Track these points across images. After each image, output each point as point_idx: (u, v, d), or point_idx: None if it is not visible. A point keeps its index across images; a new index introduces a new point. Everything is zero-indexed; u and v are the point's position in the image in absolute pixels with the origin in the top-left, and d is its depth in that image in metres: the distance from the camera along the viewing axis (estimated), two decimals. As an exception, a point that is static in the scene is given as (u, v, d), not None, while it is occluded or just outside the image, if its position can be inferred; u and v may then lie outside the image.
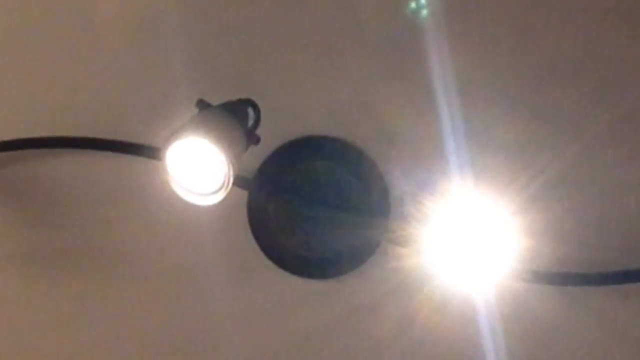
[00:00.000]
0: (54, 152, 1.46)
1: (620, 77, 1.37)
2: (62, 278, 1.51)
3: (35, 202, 1.49)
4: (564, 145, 1.39)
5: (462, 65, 1.36)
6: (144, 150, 1.42)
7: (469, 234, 1.29)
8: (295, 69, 1.41)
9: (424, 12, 1.35)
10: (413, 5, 1.35)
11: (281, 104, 1.41)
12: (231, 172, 1.20)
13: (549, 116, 1.39)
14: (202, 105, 1.27)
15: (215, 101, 1.28)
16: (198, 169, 1.22)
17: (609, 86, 1.37)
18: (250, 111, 1.30)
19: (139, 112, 1.43)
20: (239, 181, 1.39)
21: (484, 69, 1.38)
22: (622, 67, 1.37)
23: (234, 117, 1.26)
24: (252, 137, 1.29)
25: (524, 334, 1.44)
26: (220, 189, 1.22)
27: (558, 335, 1.45)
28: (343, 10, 1.38)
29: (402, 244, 1.40)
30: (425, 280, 1.39)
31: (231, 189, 1.22)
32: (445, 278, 1.34)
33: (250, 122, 1.30)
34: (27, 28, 1.42)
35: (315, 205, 1.42)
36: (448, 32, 1.35)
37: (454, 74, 1.35)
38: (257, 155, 1.41)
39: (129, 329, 1.53)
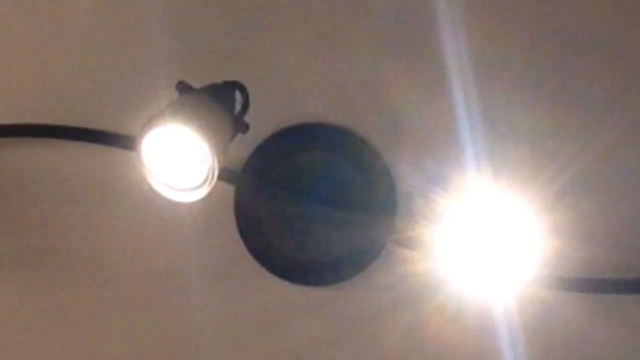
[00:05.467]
0: (15, 141, 1.43)
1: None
2: (27, 281, 1.47)
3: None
4: (595, 134, 1.37)
5: (479, 43, 1.34)
6: (117, 140, 1.40)
7: (486, 234, 1.26)
8: (289, 47, 1.40)
9: (436, -18, 1.36)
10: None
11: (273, 87, 1.39)
12: (216, 165, 1.17)
13: (578, 101, 1.37)
14: (183, 88, 1.25)
15: (197, 84, 1.26)
16: (178, 161, 1.20)
17: (646, 66, 1.39)
18: (238, 95, 1.28)
19: (112, 96, 1.41)
20: (225, 174, 1.34)
21: (504, 47, 1.36)
22: (661, 45, 1.38)
23: (219, 101, 1.24)
24: (239, 125, 1.26)
25: (550, 348, 1.42)
26: (204, 183, 1.19)
27: (589, 350, 1.43)
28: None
29: (410, 246, 1.37)
30: (437, 287, 1.35)
31: (216, 183, 1.20)
32: (459, 285, 1.30)
33: (238, 108, 1.27)
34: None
35: (311, 202, 1.40)
36: (463, 4, 1.33)
37: (469, 52, 1.33)
38: (246, 145, 1.39)
39: (103, 336, 1.49)
